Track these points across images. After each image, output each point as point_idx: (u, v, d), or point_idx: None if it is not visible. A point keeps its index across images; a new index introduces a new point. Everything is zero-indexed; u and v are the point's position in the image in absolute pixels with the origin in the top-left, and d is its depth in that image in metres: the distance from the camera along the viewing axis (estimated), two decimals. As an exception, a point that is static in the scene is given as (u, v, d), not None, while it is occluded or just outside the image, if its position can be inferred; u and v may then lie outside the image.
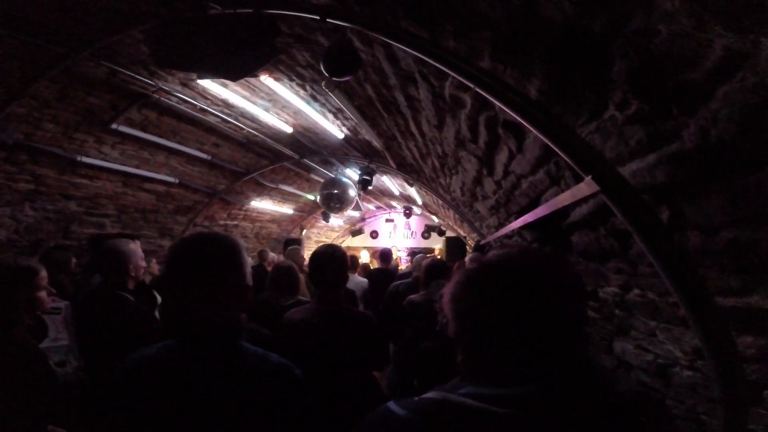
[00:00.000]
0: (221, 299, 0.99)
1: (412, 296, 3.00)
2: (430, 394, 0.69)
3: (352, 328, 1.93)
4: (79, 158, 4.32)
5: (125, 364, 0.98)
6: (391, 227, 13.85)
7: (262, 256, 6.44)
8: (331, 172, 7.04)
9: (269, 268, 4.37)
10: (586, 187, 1.14)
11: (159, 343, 1.01)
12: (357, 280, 4.74)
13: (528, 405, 0.59)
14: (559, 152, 1.18)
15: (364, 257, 12.18)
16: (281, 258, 6.93)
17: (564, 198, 1.40)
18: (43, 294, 1.73)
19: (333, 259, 1.97)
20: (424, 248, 12.36)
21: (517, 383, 0.62)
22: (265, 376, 0.96)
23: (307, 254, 10.14)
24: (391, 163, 5.36)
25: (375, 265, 7.00)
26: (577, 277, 0.73)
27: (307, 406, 0.99)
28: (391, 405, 0.69)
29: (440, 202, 5.97)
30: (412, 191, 6.80)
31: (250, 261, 1.13)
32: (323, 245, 2.11)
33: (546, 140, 1.20)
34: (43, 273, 1.74)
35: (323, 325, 1.90)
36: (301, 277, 3.79)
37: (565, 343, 0.65)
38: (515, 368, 0.64)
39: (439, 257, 7.55)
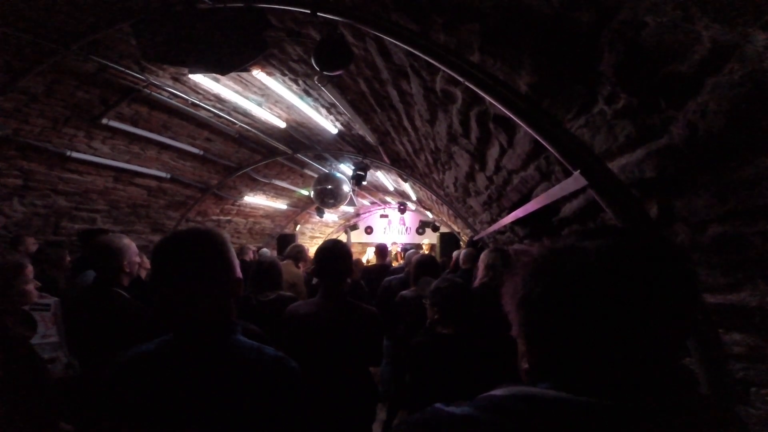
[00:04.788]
0: (213, 295, 0.99)
1: (404, 292, 3.00)
2: (495, 392, 0.57)
3: (356, 323, 1.94)
4: (68, 153, 4.27)
5: (121, 360, 0.98)
6: (386, 223, 13.78)
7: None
8: (325, 168, 7.01)
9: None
10: (575, 181, 1.13)
11: (156, 339, 1.01)
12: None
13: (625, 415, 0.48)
14: (547, 146, 1.17)
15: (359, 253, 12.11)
16: (273, 253, 6.89)
17: (554, 193, 1.39)
18: (30, 287, 1.76)
19: (338, 253, 1.99)
20: (416, 244, 12.31)
21: (601, 391, 0.50)
22: (260, 370, 0.96)
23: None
24: (385, 158, 5.34)
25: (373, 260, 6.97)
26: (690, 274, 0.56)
27: (301, 399, 1.00)
28: (441, 406, 0.58)
29: (434, 197, 5.96)
30: (407, 187, 6.77)
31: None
32: (327, 240, 2.15)
33: (535, 134, 1.19)
34: (30, 267, 1.78)
35: (328, 318, 1.91)
36: (299, 272, 3.71)
37: (664, 352, 0.53)
38: (601, 374, 0.53)
39: (427, 252, 7.56)
